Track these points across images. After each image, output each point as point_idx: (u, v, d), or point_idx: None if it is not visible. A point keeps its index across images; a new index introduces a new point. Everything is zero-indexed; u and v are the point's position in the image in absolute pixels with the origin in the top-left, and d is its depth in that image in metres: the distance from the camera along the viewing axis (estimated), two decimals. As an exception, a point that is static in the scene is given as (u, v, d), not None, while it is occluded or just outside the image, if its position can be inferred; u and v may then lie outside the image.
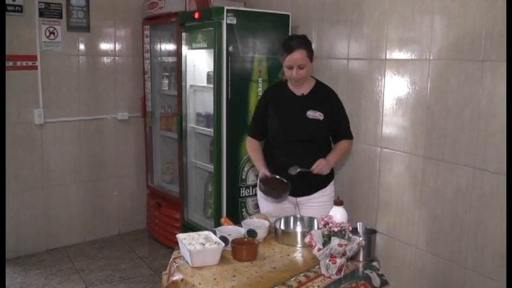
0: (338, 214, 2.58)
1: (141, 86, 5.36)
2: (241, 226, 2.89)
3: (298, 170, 3.13)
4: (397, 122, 3.63)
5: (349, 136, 3.33)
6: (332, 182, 3.36)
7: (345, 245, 2.32)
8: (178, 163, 4.75)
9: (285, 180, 3.14)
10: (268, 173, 3.17)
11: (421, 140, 3.48)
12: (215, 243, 2.54)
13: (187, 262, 2.52)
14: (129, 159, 5.49)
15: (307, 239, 2.44)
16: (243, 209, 4.18)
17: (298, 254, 2.72)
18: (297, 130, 3.19)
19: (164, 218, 5.07)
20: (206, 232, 2.72)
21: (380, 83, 3.72)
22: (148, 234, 5.41)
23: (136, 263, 4.71)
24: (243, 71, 4.05)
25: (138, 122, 5.46)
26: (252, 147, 3.39)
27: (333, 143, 3.32)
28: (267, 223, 2.95)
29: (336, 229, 2.34)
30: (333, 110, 3.22)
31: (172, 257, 2.69)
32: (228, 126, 4.02)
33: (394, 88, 3.64)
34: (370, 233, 2.66)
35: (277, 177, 3.16)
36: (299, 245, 2.79)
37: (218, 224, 4.13)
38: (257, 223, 2.97)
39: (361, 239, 2.41)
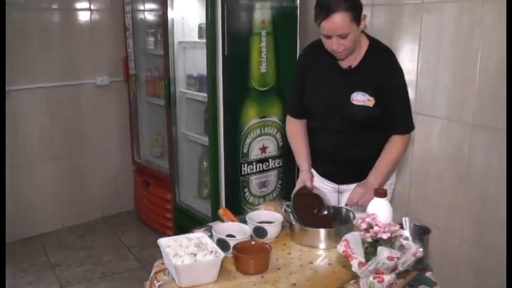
0: (380, 210, 1.87)
1: (122, 45, 4.57)
2: (245, 220, 2.20)
3: (322, 211, 2.35)
4: (437, 80, 2.90)
5: (405, 129, 2.40)
6: None
7: (397, 258, 1.62)
8: (167, 135, 4.02)
9: (326, 202, 2.36)
10: (309, 181, 2.39)
11: (469, 103, 2.75)
12: (211, 252, 1.84)
13: (174, 280, 1.82)
14: (112, 131, 4.75)
15: (340, 248, 1.73)
16: (245, 190, 3.48)
17: (324, 261, 2.02)
18: (340, 116, 2.38)
19: (153, 199, 4.37)
20: (198, 234, 2.01)
21: (415, 30, 2.97)
22: (136, 217, 4.71)
23: (122, 254, 4.03)
24: (242, 21, 3.29)
25: (121, 87, 4.69)
26: (292, 130, 2.60)
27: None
28: (279, 216, 2.24)
29: (384, 236, 1.63)
30: (385, 87, 2.31)
31: (154, 270, 1.98)
32: (225, 90, 3.28)
33: (434, 36, 2.89)
34: (422, 233, 1.96)
35: (319, 195, 2.39)
36: (323, 247, 2.11)
37: (215, 208, 3.46)
38: (266, 216, 2.26)
39: (417, 247, 1.70)
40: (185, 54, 3.84)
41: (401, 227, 1.89)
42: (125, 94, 4.70)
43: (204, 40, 3.38)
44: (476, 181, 2.79)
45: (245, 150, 3.42)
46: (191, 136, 3.86)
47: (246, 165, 3.44)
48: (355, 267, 1.66)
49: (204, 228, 2.34)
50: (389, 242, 1.65)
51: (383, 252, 1.61)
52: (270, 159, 3.56)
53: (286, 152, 3.61)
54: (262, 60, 3.37)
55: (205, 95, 3.45)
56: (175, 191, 3.97)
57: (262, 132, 3.48)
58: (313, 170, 2.49)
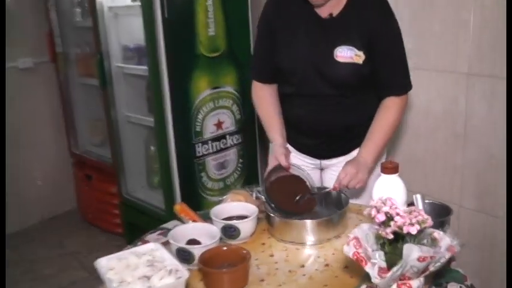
0: (393, 191, 1.41)
1: (44, 19, 3.94)
2: (209, 216, 1.72)
3: (306, 196, 1.85)
4: (423, 25, 2.45)
5: (401, 89, 1.91)
6: None
7: (430, 257, 1.16)
8: (106, 119, 3.45)
9: (309, 184, 1.89)
10: (283, 158, 1.87)
11: (464, 50, 2.32)
12: (169, 272, 1.33)
13: (121, 314, 1.32)
14: (43, 121, 4.11)
15: (349, 250, 1.26)
16: (202, 174, 2.98)
17: (319, 261, 1.57)
18: (320, 78, 1.88)
19: (97, 194, 3.81)
20: (150, 246, 1.51)
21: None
22: (80, 217, 4.12)
23: (66, 263, 3.45)
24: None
25: (48, 69, 4.05)
26: (259, 97, 2.08)
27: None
28: (252, 208, 1.76)
29: (413, 230, 1.16)
30: (377, 37, 1.82)
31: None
32: (169, 59, 2.74)
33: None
34: (441, 213, 1.51)
35: (299, 176, 1.90)
36: (313, 242, 1.66)
37: (168, 199, 2.96)
38: (235, 209, 1.79)
39: (452, 239, 1.25)
40: (118, 23, 3.26)
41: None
42: (54, 76, 4.06)
43: (139, 2, 2.82)
44: (476, 139, 2.37)
45: (198, 128, 2.91)
46: (134, 118, 3.30)
47: (200, 145, 2.94)
48: (373, 276, 1.19)
49: (157, 233, 1.84)
50: (418, 237, 1.19)
51: (412, 251, 1.15)
52: (227, 136, 3.06)
53: (245, 126, 3.12)
54: (210, 21, 2.85)
55: (146, 68, 2.90)
56: (120, 183, 3.43)
57: (216, 105, 2.97)
58: (289, 146, 2.01)
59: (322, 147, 2.03)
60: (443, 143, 2.51)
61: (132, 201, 3.35)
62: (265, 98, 2.04)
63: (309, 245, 1.66)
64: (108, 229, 3.75)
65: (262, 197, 1.82)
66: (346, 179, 1.81)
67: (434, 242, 1.20)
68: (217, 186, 3.05)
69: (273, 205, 1.78)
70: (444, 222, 1.42)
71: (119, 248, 1.59)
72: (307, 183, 1.88)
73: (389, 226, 1.18)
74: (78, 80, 3.97)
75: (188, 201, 3.00)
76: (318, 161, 2.09)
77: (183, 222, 1.83)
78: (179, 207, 1.87)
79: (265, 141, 2.62)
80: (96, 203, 3.85)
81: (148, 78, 2.91)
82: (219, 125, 3.01)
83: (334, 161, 2.05)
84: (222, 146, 3.04)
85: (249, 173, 3.20)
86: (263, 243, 1.70)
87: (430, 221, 1.18)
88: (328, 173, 2.11)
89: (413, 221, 1.15)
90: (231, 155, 3.11)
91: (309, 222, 1.67)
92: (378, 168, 2.01)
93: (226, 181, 3.10)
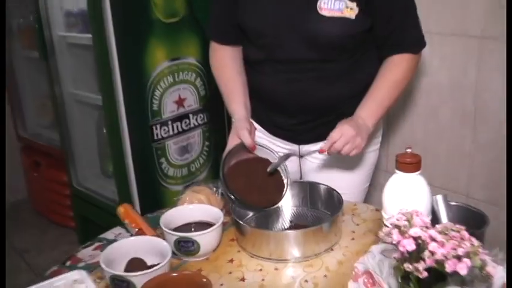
0: (415, 196, 1.00)
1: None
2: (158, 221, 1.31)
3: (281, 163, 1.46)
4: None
5: (413, 46, 1.52)
6: None
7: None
8: (51, 98, 2.98)
9: (283, 168, 1.48)
10: (246, 134, 1.44)
11: (476, 8, 1.91)
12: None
13: None
14: (-17, 101, 3.62)
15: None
16: (162, 160, 2.54)
17: (307, 287, 1.16)
18: (299, 38, 1.46)
19: (47, 183, 3.36)
20: (74, 275, 1.09)
21: None
22: (31, 208, 3.66)
23: (12, 264, 2.99)
24: None
25: (-13, 42, 3.55)
26: (218, 60, 1.66)
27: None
28: (216, 213, 1.35)
29: (463, 270, 0.75)
30: None
31: None
32: (118, 26, 2.26)
33: None
34: (472, 221, 1.11)
35: (266, 158, 1.48)
36: (297, 256, 1.26)
37: (123, 190, 2.51)
38: (196, 213, 1.38)
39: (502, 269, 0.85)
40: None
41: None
42: (-6, 50, 3.56)
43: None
44: (488, 117, 1.98)
45: (155, 107, 2.46)
46: (82, 96, 2.83)
47: (158, 126, 2.49)
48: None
49: (94, 247, 1.42)
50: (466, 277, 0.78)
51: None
52: (190, 115, 2.61)
53: (211, 104, 2.68)
54: (165, -22, 2.39)
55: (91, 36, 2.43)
56: (70, 171, 2.97)
57: (176, 79, 2.52)
58: (258, 127, 1.59)
59: (302, 128, 1.61)
60: (449, 122, 2.11)
61: (83, 192, 2.90)
62: (225, 62, 1.61)
63: (292, 263, 1.26)
64: (61, 222, 3.32)
65: (230, 195, 1.40)
66: (342, 141, 1.38)
67: (486, 278, 0.80)
68: (179, 174, 2.62)
69: (232, 196, 1.37)
70: (478, 233, 1.02)
71: (71, 246, 1.20)
72: (278, 169, 1.46)
73: (422, 259, 0.77)
74: (22, 54, 3.49)
75: (146, 191, 2.60)
76: (295, 147, 1.68)
77: (127, 230, 1.41)
78: (123, 210, 1.45)
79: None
80: (47, 193, 3.40)
81: (93, 47, 2.45)
82: (180, 102, 2.56)
83: (315, 146, 1.64)
84: (184, 127, 2.60)
85: (217, 157, 2.76)
86: (231, 260, 1.29)
87: (482, 251, 0.77)
88: (309, 163, 1.70)
89: (460, 252, 0.75)
90: (195, 138, 2.67)
91: (291, 233, 1.26)
92: (375, 144, 1.64)
93: (191, 167, 2.67)
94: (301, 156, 1.71)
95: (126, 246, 1.23)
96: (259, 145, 1.46)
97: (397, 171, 1.02)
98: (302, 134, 1.61)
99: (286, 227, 1.42)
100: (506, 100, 1.85)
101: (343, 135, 1.39)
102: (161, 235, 1.31)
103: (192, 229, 1.34)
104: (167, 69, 2.47)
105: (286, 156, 1.47)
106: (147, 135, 2.47)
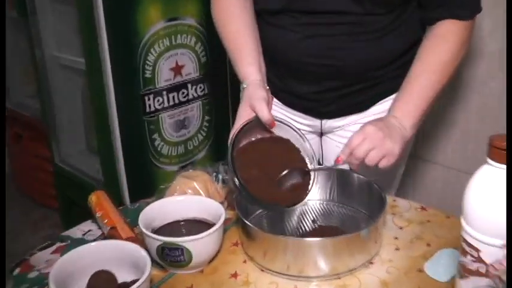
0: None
1: None
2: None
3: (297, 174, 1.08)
4: None
5: (464, 9, 1.12)
6: None
7: None
8: (32, 62, 2.63)
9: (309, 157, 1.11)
10: (264, 106, 1.05)
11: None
12: None
13: None
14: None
15: None
16: (154, 136, 2.20)
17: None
18: None
19: (29, 158, 3.03)
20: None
21: None
22: (14, 185, 3.33)
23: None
24: None
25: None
26: (224, 10, 1.26)
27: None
28: (216, 208, 1.01)
29: None
30: None
31: None
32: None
33: None
34: None
35: (287, 138, 1.11)
36: (323, 274, 0.91)
37: (108, 169, 2.16)
38: (187, 207, 1.04)
39: None
40: None
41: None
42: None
43: None
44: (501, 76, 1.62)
45: (148, 74, 2.10)
46: (66, 60, 2.47)
47: (151, 97, 2.14)
48: None
49: (54, 248, 1.08)
50: None
51: None
52: (188, 85, 2.26)
53: (213, 72, 2.32)
54: None
55: (76, -12, 2.08)
56: (52, 146, 2.63)
57: (173, 43, 2.16)
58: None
59: (327, 98, 1.25)
60: (497, 99, 1.76)
61: (66, 170, 2.56)
62: (231, 12, 1.23)
63: (318, 281, 0.92)
64: (44, 203, 2.99)
65: (236, 180, 1.04)
66: (364, 146, 1.03)
67: None
68: (175, 152, 2.28)
69: (242, 189, 1.01)
70: None
71: (54, 229, 0.92)
72: (303, 154, 1.11)
73: None
74: (8, 14, 3.12)
75: (136, 171, 2.24)
76: (317, 122, 1.32)
77: (99, 226, 1.08)
78: (95, 198, 1.12)
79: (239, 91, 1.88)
80: (29, 169, 3.07)
81: (75, 2, 2.09)
82: (177, 70, 2.20)
83: (343, 121, 1.29)
84: (181, 98, 2.24)
85: (218, 134, 2.42)
86: (234, 275, 0.95)
87: None
88: (332, 142, 1.36)
89: None
90: (194, 111, 2.32)
91: (318, 242, 0.92)
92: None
93: (188, 145, 2.32)
94: (322, 134, 1.36)
95: (89, 254, 0.89)
96: (279, 121, 1.10)
97: (490, 161, 0.67)
98: (326, 105, 1.26)
99: (307, 229, 1.08)
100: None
101: (366, 138, 1.03)
102: (141, 236, 0.97)
103: (183, 230, 1.01)
104: (163, 30, 2.11)
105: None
106: (138, 106, 2.12)
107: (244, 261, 0.99)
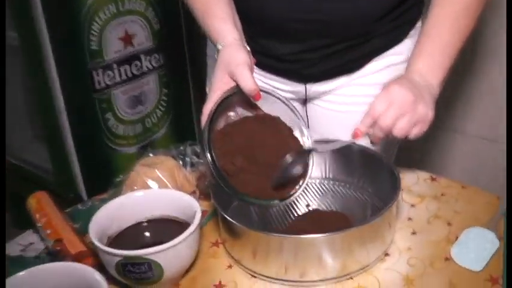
0: None
1: None
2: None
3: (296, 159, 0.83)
4: None
5: None
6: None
7: None
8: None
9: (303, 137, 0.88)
10: (248, 76, 0.81)
11: None
12: None
13: None
14: None
15: None
16: (107, 115, 1.95)
17: None
18: None
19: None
20: None
21: None
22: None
23: None
24: None
25: None
26: None
27: None
28: (189, 202, 0.80)
29: None
30: None
31: None
32: None
33: None
34: None
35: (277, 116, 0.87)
36: (331, 276, 0.73)
37: (56, 159, 1.92)
38: (152, 204, 0.82)
39: None
40: None
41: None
42: None
43: None
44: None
45: (94, 46, 1.85)
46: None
47: (100, 72, 1.89)
48: None
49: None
50: None
51: None
52: (141, 56, 2.01)
53: (168, 41, 2.07)
54: None
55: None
56: (-7, 135, 2.37)
57: (121, 9, 1.90)
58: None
59: (310, 59, 1.04)
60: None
61: (12, 162, 2.30)
62: None
63: (324, 285, 0.73)
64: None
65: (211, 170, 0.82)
66: (392, 113, 0.80)
67: None
68: (132, 132, 2.04)
69: (226, 185, 0.78)
70: None
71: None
72: (297, 134, 0.89)
73: None
74: None
75: (90, 157, 2.00)
76: (300, 87, 1.11)
77: (41, 237, 0.86)
78: (35, 202, 0.90)
79: (200, 59, 1.65)
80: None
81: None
82: (127, 39, 1.94)
83: (330, 84, 1.08)
84: (134, 71, 2.00)
85: (178, 108, 2.20)
86: (218, 286, 0.75)
87: None
88: (319, 109, 1.15)
89: None
90: (150, 85, 2.07)
91: (320, 238, 0.72)
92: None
93: (146, 122, 2.09)
94: (307, 101, 1.16)
95: (28, 281, 0.67)
96: (264, 91, 0.86)
97: None
98: (310, 66, 1.05)
99: (300, 215, 0.88)
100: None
101: (393, 102, 0.81)
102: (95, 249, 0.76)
103: (147, 234, 0.80)
104: (107, -6, 1.86)
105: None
106: (86, 83, 1.86)
107: (230, 266, 0.79)
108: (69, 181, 1.93)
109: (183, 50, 2.17)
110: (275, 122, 0.85)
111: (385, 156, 0.87)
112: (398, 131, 0.80)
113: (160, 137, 2.15)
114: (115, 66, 1.92)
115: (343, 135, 0.88)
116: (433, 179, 0.98)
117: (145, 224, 0.81)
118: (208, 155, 0.77)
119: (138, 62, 2.00)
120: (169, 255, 0.70)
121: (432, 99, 0.84)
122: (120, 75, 1.95)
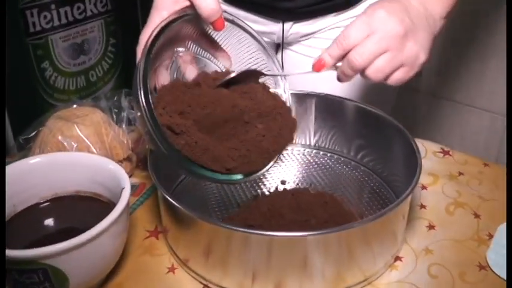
0: None
1: None
2: None
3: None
4: None
5: None
6: None
7: None
8: None
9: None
10: None
11: None
12: None
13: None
14: None
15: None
16: (44, 64, 1.69)
17: None
18: None
19: None
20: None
21: None
22: None
23: None
24: None
25: None
26: None
27: None
28: (120, 173, 0.55)
29: None
30: None
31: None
32: None
33: None
34: None
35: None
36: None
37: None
38: (63, 177, 0.56)
39: None
40: None
41: None
42: None
43: None
44: None
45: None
46: None
47: (35, 12, 1.61)
48: None
49: None
50: None
51: None
52: (86, -1, 1.75)
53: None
54: None
55: None
56: None
57: None
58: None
59: None
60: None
61: None
62: None
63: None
64: None
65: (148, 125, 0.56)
66: (369, 47, 0.57)
67: None
68: (74, 85, 1.78)
69: (165, 146, 0.52)
70: None
71: None
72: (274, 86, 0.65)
73: None
74: None
75: (23, 115, 1.74)
76: (276, 26, 0.86)
77: None
78: None
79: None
80: None
81: None
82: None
83: (314, 25, 0.84)
84: (76, 15, 1.72)
85: (128, 60, 1.94)
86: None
87: None
88: (297, 56, 0.91)
89: None
90: (95, 32, 1.80)
91: (312, 239, 0.48)
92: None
93: (90, 75, 1.82)
94: (283, 47, 0.91)
95: None
96: (229, 20, 0.61)
97: None
98: (288, 1, 0.80)
99: (272, 191, 0.65)
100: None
101: (374, 31, 0.58)
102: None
103: (50, 221, 0.54)
104: None
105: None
106: (18, 25, 1.59)
107: (171, 269, 0.55)
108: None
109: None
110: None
111: (395, 119, 0.63)
112: (374, 71, 0.58)
113: (106, 93, 1.89)
114: (53, 7, 1.64)
115: (325, 88, 0.65)
116: (445, 152, 0.75)
117: (50, 204, 0.55)
118: (143, 98, 0.52)
119: (81, 5, 1.72)
120: (79, 256, 0.45)
121: (429, 36, 0.61)
122: (60, 18, 1.67)
